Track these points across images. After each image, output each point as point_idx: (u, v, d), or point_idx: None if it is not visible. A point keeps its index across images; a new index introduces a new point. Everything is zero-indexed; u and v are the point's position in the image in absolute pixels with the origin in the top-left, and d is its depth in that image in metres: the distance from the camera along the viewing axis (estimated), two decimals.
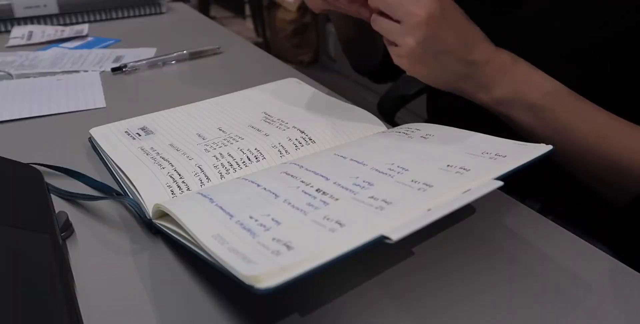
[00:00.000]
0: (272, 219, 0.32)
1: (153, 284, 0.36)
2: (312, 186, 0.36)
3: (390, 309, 0.34)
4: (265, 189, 0.37)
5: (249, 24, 3.26)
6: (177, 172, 0.43)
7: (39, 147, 0.53)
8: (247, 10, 3.27)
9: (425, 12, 0.41)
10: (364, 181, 0.36)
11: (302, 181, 0.37)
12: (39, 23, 0.89)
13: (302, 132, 0.50)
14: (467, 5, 0.46)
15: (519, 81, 0.46)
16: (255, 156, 0.46)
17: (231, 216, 0.33)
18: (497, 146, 0.41)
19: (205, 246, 0.30)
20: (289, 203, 0.34)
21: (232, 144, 0.48)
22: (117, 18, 0.96)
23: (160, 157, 0.46)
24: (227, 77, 0.71)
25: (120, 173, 0.45)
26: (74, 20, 0.92)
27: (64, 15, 0.91)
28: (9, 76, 0.69)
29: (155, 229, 0.40)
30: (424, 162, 0.39)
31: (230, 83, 0.68)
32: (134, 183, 0.42)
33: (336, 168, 0.39)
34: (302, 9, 2.61)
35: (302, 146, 0.48)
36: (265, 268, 0.26)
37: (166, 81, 0.70)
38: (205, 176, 0.43)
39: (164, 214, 0.38)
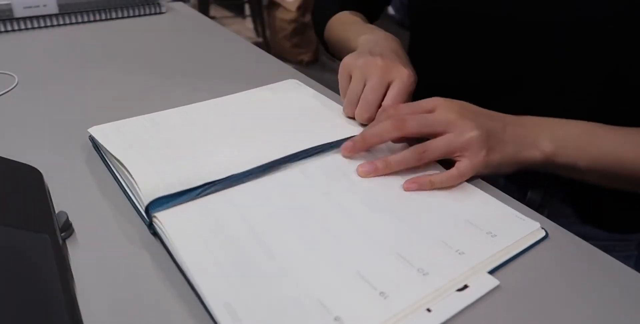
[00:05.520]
0: (279, 300, 0.33)
1: (152, 284, 0.36)
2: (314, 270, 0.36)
3: None
4: (269, 250, 0.37)
5: (248, 23, 3.26)
6: (177, 172, 0.43)
7: (39, 147, 0.53)
8: (247, 10, 3.27)
9: (455, 111, 0.45)
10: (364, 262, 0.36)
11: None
12: (38, 23, 0.89)
13: (298, 135, 0.50)
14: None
15: (553, 128, 0.48)
16: (254, 157, 0.46)
17: (239, 276, 0.34)
18: (494, 216, 0.42)
19: (215, 315, 0.32)
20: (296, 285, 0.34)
21: (231, 145, 0.48)
22: (117, 18, 0.96)
23: (161, 156, 0.46)
24: (227, 77, 0.71)
25: (122, 171, 0.45)
26: (73, 20, 0.92)
27: (64, 15, 0.91)
28: (12, 77, 0.69)
29: (154, 229, 0.40)
30: (421, 227, 0.40)
31: (230, 83, 0.68)
32: (136, 183, 0.42)
33: (328, 228, 0.39)
34: (302, 8, 2.61)
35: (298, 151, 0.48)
36: None
37: (165, 81, 0.70)
38: (206, 175, 0.43)
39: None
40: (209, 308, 0.32)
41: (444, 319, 0.33)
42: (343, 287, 0.34)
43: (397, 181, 0.45)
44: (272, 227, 0.39)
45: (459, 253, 0.37)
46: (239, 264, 0.35)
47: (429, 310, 0.33)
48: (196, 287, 0.34)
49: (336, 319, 0.31)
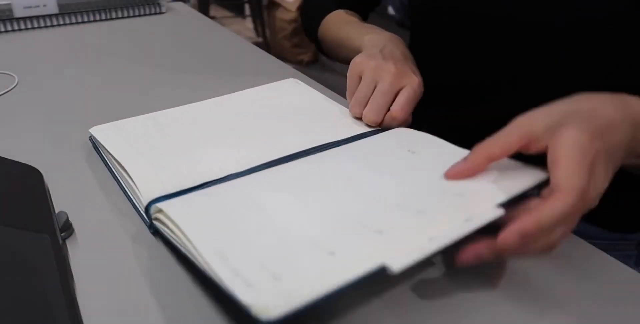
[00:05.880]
0: (271, 242, 0.33)
1: (153, 284, 0.36)
2: (309, 209, 0.36)
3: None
4: (264, 209, 0.37)
5: (248, 23, 3.26)
6: (177, 171, 0.43)
7: (39, 147, 0.53)
8: (247, 10, 3.27)
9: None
10: (358, 205, 0.36)
11: (300, 201, 0.37)
12: (38, 23, 0.89)
13: (297, 135, 0.50)
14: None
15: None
16: (254, 157, 0.46)
17: (233, 230, 0.34)
18: (496, 167, 0.40)
19: (207, 263, 0.31)
20: (288, 223, 0.34)
21: (231, 145, 0.48)
22: (117, 18, 0.96)
23: (161, 156, 0.46)
24: (227, 77, 0.71)
25: (121, 171, 0.45)
26: (73, 20, 0.92)
27: (64, 15, 0.91)
28: (12, 77, 0.69)
29: (154, 229, 0.40)
30: (420, 183, 0.39)
31: (230, 83, 0.68)
32: (135, 182, 0.42)
33: (327, 189, 0.39)
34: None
35: (298, 149, 0.48)
36: (266, 296, 0.28)
37: (165, 81, 0.70)
38: (206, 175, 0.43)
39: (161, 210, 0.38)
40: (200, 258, 0.32)
41: (445, 243, 0.32)
42: (337, 228, 0.34)
43: (403, 149, 0.45)
44: (266, 188, 0.39)
45: (459, 195, 0.37)
46: (231, 217, 0.35)
47: (430, 239, 0.32)
48: (188, 240, 0.33)
49: (330, 253, 0.31)
